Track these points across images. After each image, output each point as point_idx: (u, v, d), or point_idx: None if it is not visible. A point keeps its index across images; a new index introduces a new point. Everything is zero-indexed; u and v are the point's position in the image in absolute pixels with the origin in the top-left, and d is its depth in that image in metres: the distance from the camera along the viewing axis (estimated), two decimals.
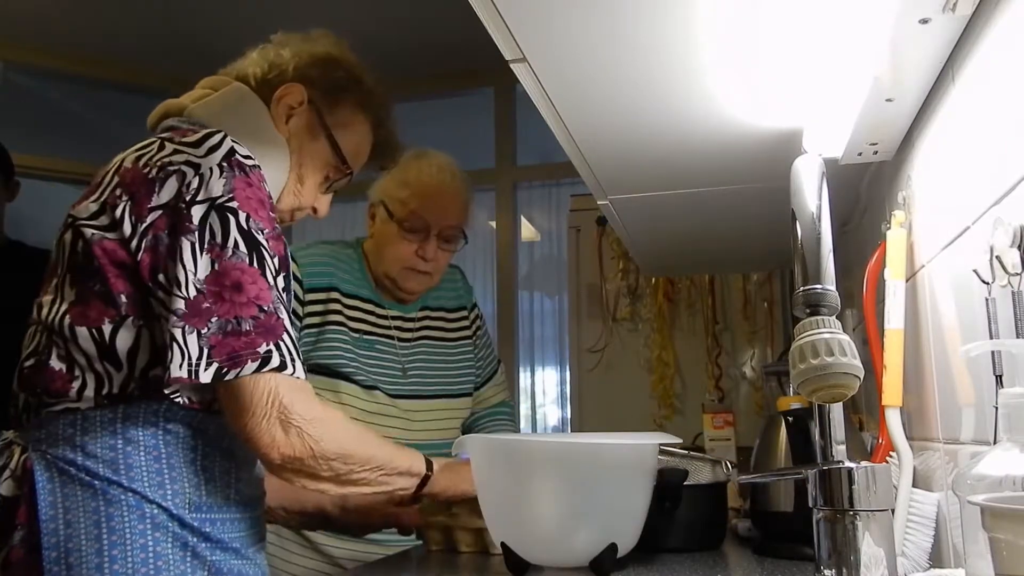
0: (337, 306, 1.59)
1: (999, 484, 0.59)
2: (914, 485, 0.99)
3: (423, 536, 1.38)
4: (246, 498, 1.04)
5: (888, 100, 0.96)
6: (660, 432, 1.13)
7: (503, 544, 1.07)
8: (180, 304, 0.92)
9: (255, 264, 0.95)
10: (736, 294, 2.82)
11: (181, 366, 0.91)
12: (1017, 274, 0.68)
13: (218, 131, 1.00)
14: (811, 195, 0.79)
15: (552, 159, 3.60)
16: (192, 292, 0.92)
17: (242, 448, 1.00)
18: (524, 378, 3.80)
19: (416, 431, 1.62)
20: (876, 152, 1.13)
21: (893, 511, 0.90)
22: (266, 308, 0.94)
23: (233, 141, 0.99)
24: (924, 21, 0.79)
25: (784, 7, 0.82)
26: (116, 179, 0.99)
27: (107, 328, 0.95)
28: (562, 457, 1.09)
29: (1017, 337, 0.68)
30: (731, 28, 0.86)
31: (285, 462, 0.96)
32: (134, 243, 0.95)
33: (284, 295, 1.03)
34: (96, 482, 0.94)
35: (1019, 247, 0.67)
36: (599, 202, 1.47)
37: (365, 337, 1.61)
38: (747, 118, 1.09)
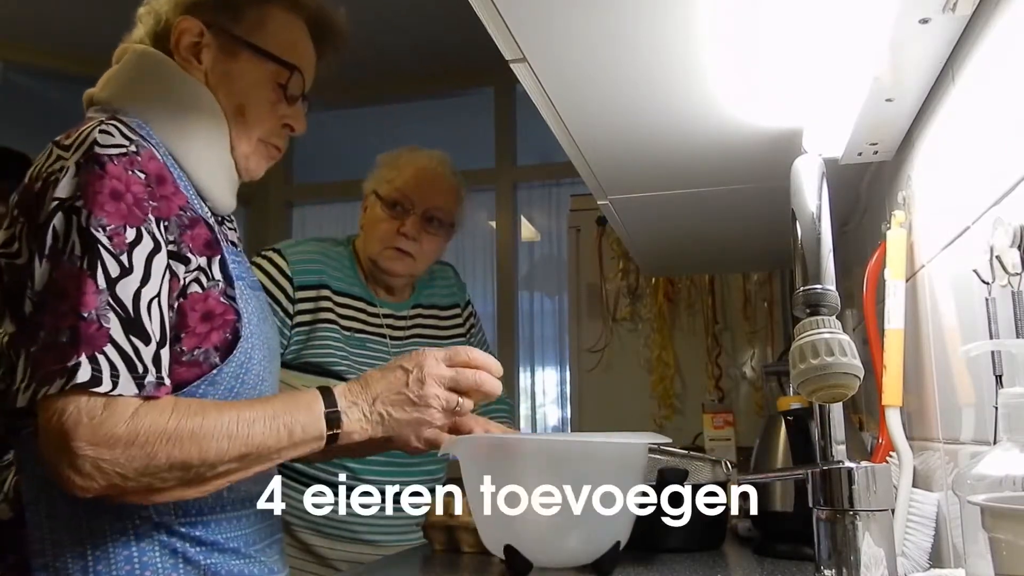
0: (328, 304, 1.59)
1: (999, 484, 0.59)
2: (914, 485, 0.99)
3: (428, 536, 1.37)
4: (244, 495, 1.01)
5: (888, 100, 0.96)
6: (649, 432, 1.13)
7: (507, 547, 1.06)
8: (18, 325, 0.85)
9: (86, 266, 0.83)
10: (736, 294, 2.82)
11: (5, 396, 0.83)
12: (1017, 274, 0.68)
13: (92, 123, 0.91)
14: (811, 195, 0.79)
15: (552, 159, 3.60)
16: (28, 308, 0.84)
17: None
18: (524, 378, 3.80)
19: None
20: (876, 152, 1.13)
21: (893, 511, 0.90)
22: (86, 315, 0.82)
23: (100, 131, 0.90)
24: (924, 21, 0.79)
25: (784, 7, 0.82)
26: (16, 197, 0.92)
27: None
28: (557, 456, 1.09)
29: (1017, 337, 0.68)
30: (731, 28, 0.86)
31: (100, 494, 0.83)
32: (31, 267, 0.87)
33: (218, 283, 0.95)
34: (78, 499, 0.89)
35: (1019, 247, 0.67)
36: (599, 202, 1.47)
37: (357, 335, 1.61)
38: (747, 118, 1.09)
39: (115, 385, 0.82)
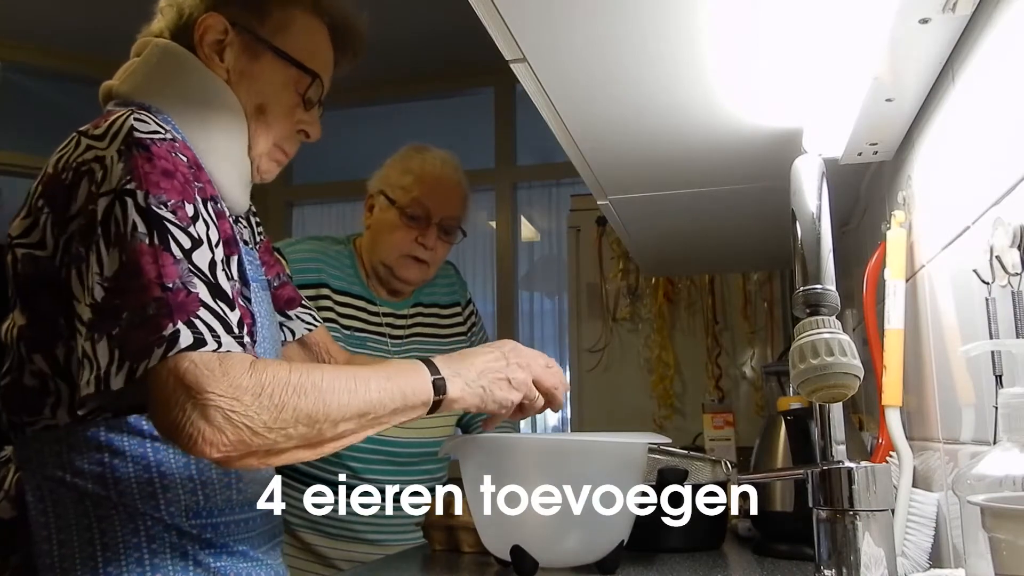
0: (328, 302, 1.59)
1: (999, 484, 0.59)
2: (914, 485, 0.99)
3: (428, 536, 1.37)
4: (251, 496, 1.01)
5: (888, 100, 0.96)
6: (649, 432, 1.13)
7: (515, 547, 1.06)
8: (88, 312, 0.82)
9: (156, 240, 0.82)
10: (736, 294, 2.82)
11: (90, 381, 0.79)
12: (1017, 274, 0.68)
13: (124, 113, 0.90)
14: (811, 195, 0.79)
15: (552, 159, 3.60)
16: (100, 294, 0.81)
17: None
18: None
19: (410, 427, 1.62)
20: (876, 152, 1.13)
21: (893, 511, 0.90)
22: (171, 285, 0.80)
23: (135, 119, 0.88)
24: (924, 21, 0.79)
25: (784, 7, 0.82)
26: (40, 188, 0.91)
27: (60, 353, 0.89)
28: (557, 456, 1.09)
29: (1017, 337, 0.68)
30: (731, 28, 0.86)
31: (228, 453, 0.79)
32: (58, 259, 0.87)
33: (227, 271, 0.92)
34: (86, 499, 0.90)
35: (1019, 247, 0.67)
36: (599, 202, 1.47)
37: (357, 334, 1.61)
38: (747, 118, 1.09)
39: (220, 344, 0.80)
